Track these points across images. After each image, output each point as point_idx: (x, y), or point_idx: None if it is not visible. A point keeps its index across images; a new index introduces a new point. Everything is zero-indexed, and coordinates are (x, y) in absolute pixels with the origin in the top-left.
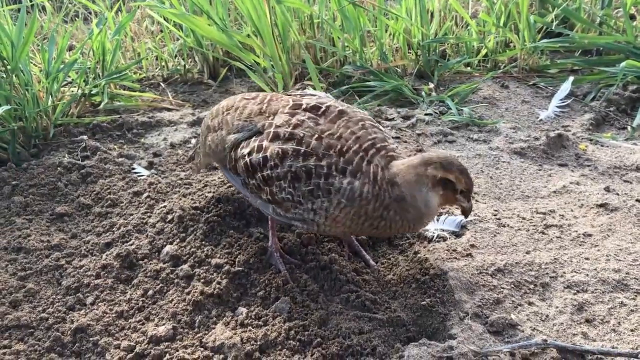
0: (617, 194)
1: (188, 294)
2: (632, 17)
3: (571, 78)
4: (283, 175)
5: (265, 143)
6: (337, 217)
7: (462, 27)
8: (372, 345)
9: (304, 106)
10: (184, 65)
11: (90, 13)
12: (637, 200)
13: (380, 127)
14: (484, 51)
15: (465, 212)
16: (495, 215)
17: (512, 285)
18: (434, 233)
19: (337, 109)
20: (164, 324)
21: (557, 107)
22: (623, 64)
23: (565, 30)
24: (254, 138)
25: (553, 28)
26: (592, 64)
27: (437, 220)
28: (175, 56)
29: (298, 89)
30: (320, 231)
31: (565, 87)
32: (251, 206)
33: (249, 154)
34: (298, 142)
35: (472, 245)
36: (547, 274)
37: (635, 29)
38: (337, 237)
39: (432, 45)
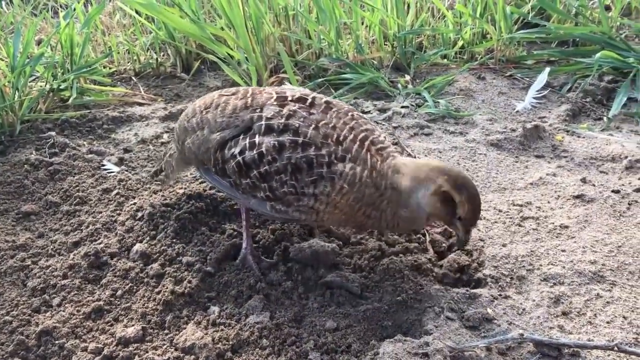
0: (594, 185)
1: (158, 293)
2: (608, 8)
3: (547, 69)
4: (283, 168)
5: (257, 139)
6: (337, 203)
7: (438, 18)
8: (347, 342)
9: (290, 97)
10: (156, 59)
11: (60, 6)
12: (613, 191)
13: (365, 117)
14: (460, 43)
15: (458, 244)
16: None
17: (489, 279)
18: None
19: (322, 99)
20: (133, 325)
21: (533, 98)
22: (598, 54)
23: (542, 22)
24: (242, 136)
25: (529, 19)
26: (568, 55)
27: None
28: (148, 50)
29: (273, 84)
30: (318, 220)
31: (542, 78)
32: (225, 202)
33: (241, 152)
34: (294, 133)
35: (449, 239)
36: (523, 266)
37: (610, 19)
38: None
39: (408, 37)
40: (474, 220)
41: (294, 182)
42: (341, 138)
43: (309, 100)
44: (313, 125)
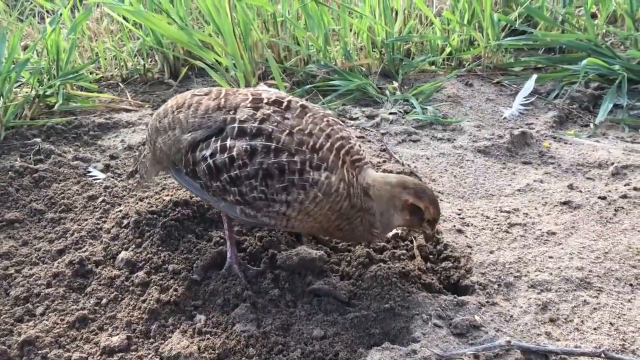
0: (580, 192)
1: (144, 301)
2: (594, 16)
3: (534, 76)
4: (254, 173)
5: (229, 142)
6: (311, 211)
7: (426, 25)
8: (335, 350)
9: (265, 100)
10: (144, 65)
11: (47, 12)
12: (599, 197)
13: (341, 122)
14: (448, 49)
15: (427, 239)
16: (459, 215)
17: (476, 286)
18: (397, 232)
19: (298, 103)
20: (117, 334)
21: (521, 105)
22: (585, 61)
23: (529, 29)
24: (214, 138)
25: (517, 26)
26: (555, 62)
27: None
28: (135, 56)
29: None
30: (289, 226)
31: (529, 85)
32: (211, 209)
33: (212, 155)
34: (267, 138)
35: (436, 246)
36: (511, 273)
37: (596, 27)
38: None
39: (396, 43)
40: (438, 216)
41: (264, 188)
42: (317, 146)
43: (285, 104)
44: (287, 131)
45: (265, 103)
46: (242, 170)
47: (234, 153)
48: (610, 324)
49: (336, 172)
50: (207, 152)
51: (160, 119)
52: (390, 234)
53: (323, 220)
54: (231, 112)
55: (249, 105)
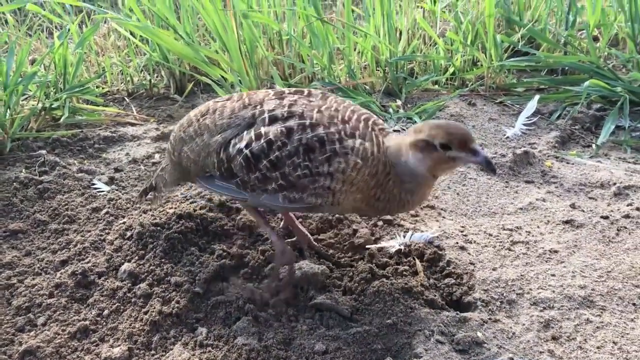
0: (583, 211)
1: (145, 313)
2: (596, 39)
3: (537, 96)
4: (294, 151)
5: (263, 129)
6: (354, 179)
7: (430, 45)
8: None
9: (287, 91)
10: (150, 80)
11: (55, 27)
12: (602, 217)
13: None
14: (451, 69)
15: (485, 167)
16: (462, 232)
17: (479, 302)
18: (400, 248)
19: (319, 92)
20: (119, 345)
21: (523, 124)
22: (587, 83)
23: (532, 50)
24: (246, 132)
25: (519, 47)
26: (557, 83)
27: (404, 235)
28: (141, 71)
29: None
30: (335, 203)
31: (532, 105)
32: (214, 222)
33: (247, 145)
34: (300, 117)
35: (438, 263)
36: (513, 290)
37: (598, 49)
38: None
39: (400, 62)
40: (454, 137)
41: (307, 163)
42: (346, 118)
43: (306, 92)
44: (316, 109)
45: (288, 93)
46: (282, 150)
47: (271, 136)
48: (614, 342)
49: (367, 139)
50: (242, 144)
51: (185, 129)
52: (428, 195)
53: (364, 188)
54: (258, 107)
55: (273, 97)
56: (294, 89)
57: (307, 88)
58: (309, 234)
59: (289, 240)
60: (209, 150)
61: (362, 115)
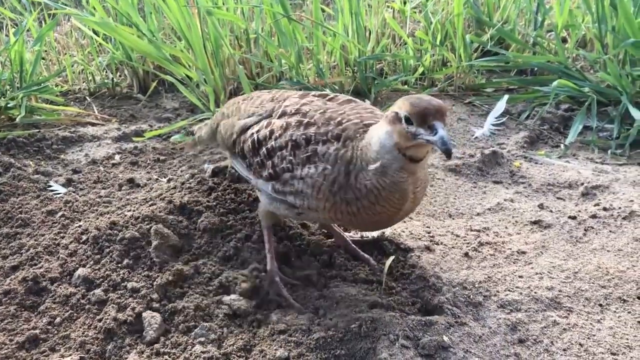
0: (551, 211)
1: (100, 321)
2: (564, 40)
3: (506, 97)
4: (285, 144)
5: (273, 120)
6: (321, 186)
7: (399, 45)
8: None
9: (313, 93)
10: (112, 79)
11: (15, 24)
12: (569, 217)
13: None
14: (420, 69)
15: (442, 151)
16: (428, 233)
17: (445, 305)
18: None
19: (345, 98)
20: (70, 355)
21: (492, 125)
22: (555, 83)
23: (501, 50)
24: (263, 121)
25: (489, 47)
26: (526, 83)
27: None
28: (104, 69)
29: None
30: (312, 208)
31: (500, 105)
32: (174, 225)
33: (258, 131)
34: (302, 115)
35: (404, 265)
36: (480, 292)
37: (566, 50)
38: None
39: (369, 62)
40: (418, 109)
41: (291, 158)
42: (344, 121)
43: (331, 96)
44: (321, 111)
45: (313, 95)
46: (277, 141)
47: (273, 127)
48: (580, 344)
49: (349, 143)
50: (255, 129)
51: (228, 106)
52: (410, 190)
53: (330, 197)
54: (280, 102)
55: (296, 96)
56: (323, 93)
57: (339, 95)
58: (345, 235)
59: (330, 240)
60: (232, 131)
61: (369, 120)
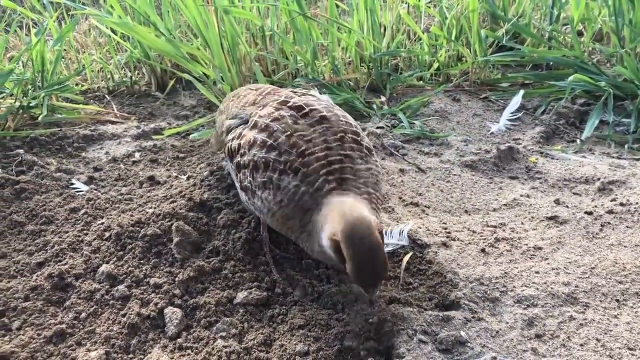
0: (567, 207)
1: (124, 316)
2: (580, 34)
3: (522, 92)
4: (247, 162)
5: (245, 131)
6: (275, 213)
7: (414, 41)
8: None
9: (290, 103)
10: (131, 77)
11: (35, 24)
12: (586, 212)
13: (364, 140)
14: (435, 65)
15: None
16: (445, 229)
17: (462, 301)
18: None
19: (320, 114)
20: (96, 349)
21: (508, 120)
22: (571, 78)
23: (516, 45)
24: (242, 126)
25: (504, 42)
26: (542, 78)
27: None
28: (122, 68)
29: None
30: (274, 225)
31: (516, 100)
32: (195, 222)
33: (232, 139)
34: (269, 135)
35: (421, 261)
36: (497, 288)
37: (582, 44)
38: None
39: (384, 58)
40: (362, 282)
41: (251, 179)
42: (307, 152)
43: (305, 111)
44: (288, 133)
45: (288, 106)
46: (242, 158)
47: (242, 141)
48: (597, 340)
49: (308, 182)
50: (231, 136)
51: (224, 102)
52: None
53: (281, 222)
54: (259, 108)
55: (274, 105)
56: (300, 101)
57: (316, 105)
58: None
59: None
60: (222, 130)
61: (333, 157)
